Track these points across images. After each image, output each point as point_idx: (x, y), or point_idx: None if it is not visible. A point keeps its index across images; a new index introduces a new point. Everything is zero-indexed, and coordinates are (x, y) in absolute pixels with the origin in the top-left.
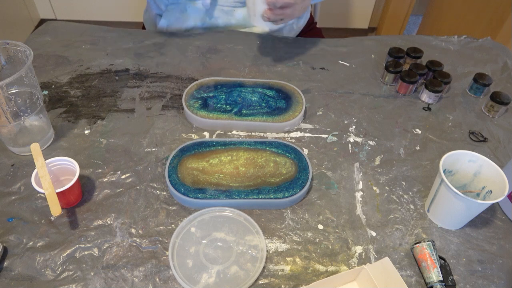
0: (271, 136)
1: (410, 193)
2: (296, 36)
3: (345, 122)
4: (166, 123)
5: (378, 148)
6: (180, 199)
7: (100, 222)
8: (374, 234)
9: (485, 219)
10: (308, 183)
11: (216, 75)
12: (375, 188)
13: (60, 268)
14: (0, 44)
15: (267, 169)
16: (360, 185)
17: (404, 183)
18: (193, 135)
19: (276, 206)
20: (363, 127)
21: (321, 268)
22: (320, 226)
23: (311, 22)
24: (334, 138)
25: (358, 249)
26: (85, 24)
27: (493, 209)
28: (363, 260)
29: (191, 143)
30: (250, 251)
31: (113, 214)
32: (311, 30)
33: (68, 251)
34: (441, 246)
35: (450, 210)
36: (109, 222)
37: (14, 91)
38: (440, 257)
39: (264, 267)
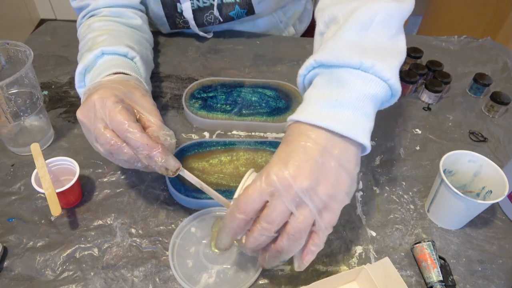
0: (271, 136)
1: (410, 193)
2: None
3: None
4: (166, 123)
5: (378, 148)
6: (180, 199)
7: (100, 222)
8: (374, 234)
9: (485, 219)
10: None
11: (216, 75)
12: (375, 188)
13: (60, 268)
14: (0, 44)
15: None
16: (360, 185)
17: (404, 183)
18: (193, 135)
19: None
20: None
21: (321, 268)
22: None
23: (312, 24)
24: None
25: (358, 249)
26: None
27: (493, 209)
28: (363, 260)
29: (191, 143)
30: None
31: (113, 214)
32: (311, 31)
33: (68, 251)
34: (441, 246)
35: (450, 210)
36: (109, 222)
37: (14, 91)
38: (440, 257)
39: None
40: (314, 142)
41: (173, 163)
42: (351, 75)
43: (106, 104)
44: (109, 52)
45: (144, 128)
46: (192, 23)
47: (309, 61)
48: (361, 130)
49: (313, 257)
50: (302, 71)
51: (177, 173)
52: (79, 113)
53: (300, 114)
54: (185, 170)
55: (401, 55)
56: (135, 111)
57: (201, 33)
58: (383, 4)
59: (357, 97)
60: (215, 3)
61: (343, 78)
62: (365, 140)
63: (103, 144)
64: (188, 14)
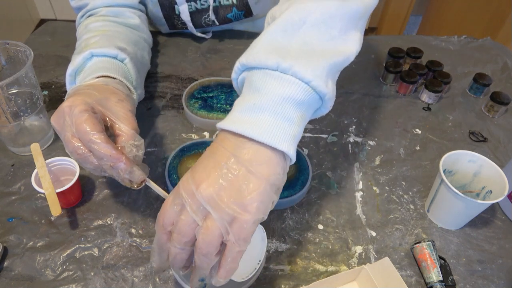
0: None
1: (410, 193)
2: None
3: (345, 122)
4: (166, 123)
5: (378, 148)
6: None
7: (100, 222)
8: (374, 234)
9: (485, 219)
10: (308, 183)
11: (216, 75)
12: (375, 188)
13: (60, 268)
14: (0, 44)
15: None
16: (360, 185)
17: (404, 183)
18: (193, 135)
19: (276, 206)
20: (363, 127)
21: (321, 268)
22: (320, 226)
23: None
24: (334, 138)
25: (358, 249)
26: None
27: (493, 209)
28: (363, 260)
29: (191, 143)
30: None
31: (113, 214)
32: None
33: (68, 251)
34: (441, 246)
35: (450, 210)
36: (109, 222)
37: (14, 91)
38: (440, 257)
39: (264, 267)
40: (223, 148)
41: (137, 175)
42: (269, 77)
43: (73, 112)
44: (99, 54)
45: (115, 136)
46: (189, 25)
47: (236, 64)
48: (278, 135)
49: (227, 274)
50: (232, 75)
51: (142, 185)
52: (52, 119)
53: (222, 121)
54: (151, 182)
55: (339, 57)
56: (107, 119)
57: (199, 34)
58: (320, 3)
59: (275, 100)
60: (211, 6)
61: (261, 81)
62: (284, 146)
63: (71, 152)
64: (185, 16)
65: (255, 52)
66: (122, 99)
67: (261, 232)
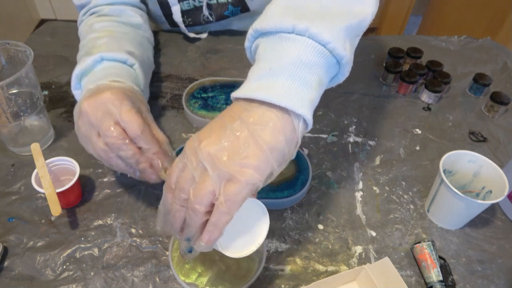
0: None
1: (410, 193)
2: None
3: (345, 122)
4: (166, 123)
5: (378, 148)
6: None
7: (100, 222)
8: (374, 234)
9: (485, 219)
10: (308, 183)
11: (216, 75)
12: (375, 188)
13: (60, 268)
14: (1, 44)
15: None
16: (360, 185)
17: (404, 183)
18: (193, 135)
19: (276, 206)
20: (363, 127)
21: (321, 268)
22: (320, 226)
23: None
24: (334, 138)
25: (358, 249)
26: None
27: (493, 209)
28: (363, 260)
29: None
30: None
31: (113, 214)
32: None
33: (68, 251)
34: (441, 246)
35: (450, 210)
36: (109, 222)
37: (14, 91)
38: (440, 257)
39: (264, 267)
40: (232, 111)
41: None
42: (284, 40)
43: (122, 103)
44: (109, 58)
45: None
46: (182, 26)
47: (249, 31)
48: (295, 98)
49: (209, 238)
50: (245, 43)
51: None
52: (87, 104)
53: (236, 90)
54: None
55: (355, 18)
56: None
57: (192, 35)
58: None
59: (292, 62)
60: (205, 3)
61: (276, 45)
62: (302, 110)
63: (109, 137)
64: (177, 17)
65: (269, 16)
66: (148, 110)
67: (262, 213)
